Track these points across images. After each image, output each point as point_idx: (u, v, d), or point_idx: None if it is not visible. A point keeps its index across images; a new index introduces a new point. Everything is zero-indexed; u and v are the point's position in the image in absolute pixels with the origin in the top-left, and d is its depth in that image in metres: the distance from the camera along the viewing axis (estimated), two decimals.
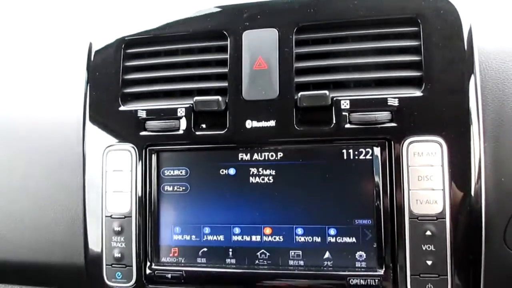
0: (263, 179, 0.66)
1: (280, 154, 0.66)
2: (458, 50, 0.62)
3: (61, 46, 0.96)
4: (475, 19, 0.63)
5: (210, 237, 0.67)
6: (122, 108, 0.71)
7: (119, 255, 0.69)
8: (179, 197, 0.68)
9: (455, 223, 0.59)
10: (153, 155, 0.69)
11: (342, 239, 0.64)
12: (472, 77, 0.61)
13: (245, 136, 0.66)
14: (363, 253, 0.63)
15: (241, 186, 0.66)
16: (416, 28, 0.63)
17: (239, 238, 0.67)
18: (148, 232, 0.69)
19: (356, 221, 0.63)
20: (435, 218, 0.60)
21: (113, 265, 0.69)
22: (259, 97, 0.66)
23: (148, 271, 0.68)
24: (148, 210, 0.69)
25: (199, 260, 0.68)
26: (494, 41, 0.70)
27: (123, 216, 0.69)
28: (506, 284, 0.66)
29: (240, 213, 0.67)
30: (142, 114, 0.70)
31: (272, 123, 0.65)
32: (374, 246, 0.63)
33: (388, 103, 0.62)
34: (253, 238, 0.66)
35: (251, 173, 0.66)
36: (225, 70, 0.68)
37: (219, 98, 0.66)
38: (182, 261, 0.68)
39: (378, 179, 0.62)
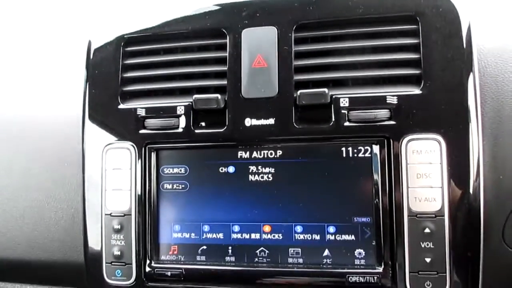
0: (262, 177, 0.66)
1: (279, 152, 0.66)
2: (457, 48, 0.62)
3: (60, 44, 0.96)
4: (474, 17, 0.63)
5: (209, 235, 0.68)
6: (121, 106, 0.71)
7: (119, 253, 0.69)
8: (179, 195, 0.69)
9: (453, 221, 0.60)
10: (152, 153, 0.69)
11: (341, 237, 0.64)
12: (471, 75, 0.61)
13: (244, 134, 0.66)
14: (362, 250, 0.63)
15: (241, 184, 0.67)
16: (415, 26, 0.63)
17: (239, 236, 0.67)
18: (147, 230, 0.69)
19: (355, 218, 0.64)
20: (433, 215, 0.60)
21: (112, 263, 0.69)
22: (258, 95, 0.66)
23: (147, 269, 0.68)
24: (147, 208, 0.69)
25: (198, 258, 0.68)
26: (493, 39, 0.70)
27: (122, 214, 0.69)
28: (505, 281, 0.67)
29: (239, 211, 0.67)
30: (142, 112, 0.70)
31: (271, 121, 0.65)
32: (373, 243, 0.63)
33: (387, 101, 0.62)
34: (253, 236, 0.66)
35: (250, 171, 0.66)
36: (224, 68, 0.68)
37: (219, 96, 0.66)
38: (182, 259, 0.68)
39: (377, 177, 0.63)
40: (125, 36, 0.73)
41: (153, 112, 0.69)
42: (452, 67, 0.61)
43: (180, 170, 0.69)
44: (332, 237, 0.64)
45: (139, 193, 0.69)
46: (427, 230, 0.60)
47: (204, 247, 0.68)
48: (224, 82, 0.68)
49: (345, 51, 0.66)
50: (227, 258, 0.67)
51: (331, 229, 0.64)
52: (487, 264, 0.60)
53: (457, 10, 0.62)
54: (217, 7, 0.70)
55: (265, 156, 0.66)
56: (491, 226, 0.63)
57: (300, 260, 0.65)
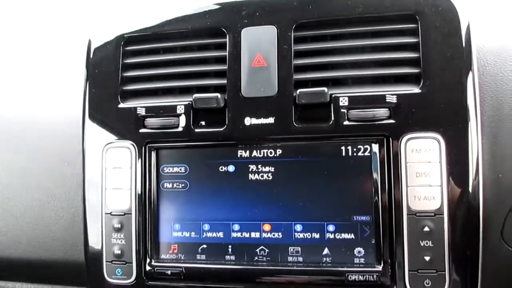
0: (262, 176, 0.66)
1: (279, 151, 0.66)
2: (456, 47, 0.62)
3: (61, 43, 0.96)
4: (473, 16, 0.63)
5: (209, 234, 0.68)
6: (121, 105, 0.71)
7: (119, 251, 0.69)
8: (179, 194, 0.69)
9: (453, 219, 0.60)
10: (152, 152, 0.70)
11: (341, 236, 0.64)
12: (470, 74, 0.61)
13: (244, 133, 0.66)
14: (361, 249, 0.63)
15: (240, 183, 0.67)
16: (414, 25, 0.64)
17: (239, 234, 0.67)
18: (147, 229, 0.69)
19: (354, 217, 0.64)
20: (433, 214, 0.60)
21: (113, 262, 0.69)
22: (258, 94, 0.66)
23: (148, 268, 0.69)
24: (147, 207, 0.69)
25: (198, 256, 0.68)
26: (492, 38, 0.70)
27: (122, 213, 0.69)
28: (504, 279, 0.67)
29: (239, 210, 0.67)
30: (142, 112, 0.70)
31: (271, 120, 0.65)
32: (373, 242, 0.63)
33: (386, 100, 0.62)
34: (252, 234, 0.66)
35: (250, 170, 0.67)
36: (224, 67, 0.68)
37: (218, 95, 0.67)
38: (182, 258, 0.69)
39: (376, 175, 0.63)
40: (125, 36, 0.73)
41: (153, 111, 0.69)
42: (451, 66, 0.62)
43: (180, 169, 0.69)
44: (331, 236, 0.64)
45: (139, 192, 0.69)
46: (426, 229, 0.60)
47: (204, 246, 0.68)
48: (224, 81, 0.68)
49: (344, 50, 0.66)
50: (227, 257, 0.67)
51: (331, 227, 0.64)
52: (486, 263, 0.60)
53: (456, 9, 0.62)
54: (217, 6, 0.70)
55: (265, 155, 0.67)
56: (490, 224, 0.63)
57: (300, 259, 0.65)
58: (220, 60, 0.69)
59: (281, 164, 0.66)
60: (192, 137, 0.68)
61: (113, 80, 0.72)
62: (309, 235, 0.65)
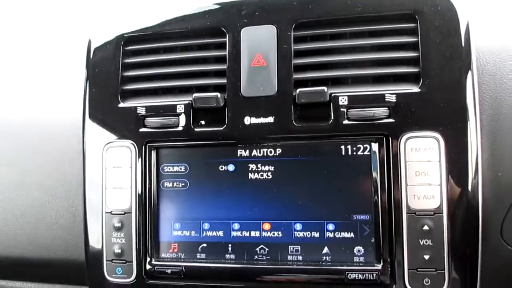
0: (262, 175, 0.66)
1: (278, 150, 0.67)
2: (456, 47, 0.62)
3: (60, 43, 0.96)
4: (472, 16, 0.63)
5: (209, 233, 0.68)
6: (121, 105, 0.71)
7: (119, 250, 0.69)
8: (179, 193, 0.69)
9: (452, 218, 0.60)
10: (152, 151, 0.70)
11: (341, 234, 0.64)
12: (469, 73, 0.61)
13: (244, 133, 0.66)
14: (361, 248, 0.64)
15: (240, 182, 0.67)
16: (413, 25, 0.64)
17: (238, 233, 0.67)
18: (148, 228, 0.69)
19: (354, 216, 0.64)
20: (432, 213, 0.60)
21: (113, 261, 0.70)
22: (257, 93, 0.66)
23: (148, 267, 0.69)
24: (147, 206, 0.69)
25: (198, 255, 0.68)
26: (491, 38, 0.71)
27: (123, 212, 0.69)
28: (503, 278, 0.67)
29: (239, 209, 0.67)
30: (142, 111, 0.70)
31: (270, 119, 0.66)
32: (372, 241, 0.63)
33: (386, 99, 0.62)
34: (252, 233, 0.67)
35: (250, 169, 0.67)
36: (224, 67, 0.68)
37: (218, 94, 0.67)
38: (182, 257, 0.69)
39: (376, 174, 0.63)
40: (125, 35, 0.73)
41: (153, 111, 0.70)
42: (450, 65, 0.62)
43: (180, 168, 0.69)
44: (331, 235, 0.64)
45: (140, 191, 0.69)
46: (425, 228, 0.60)
47: (204, 244, 0.68)
48: (224, 80, 0.68)
49: (344, 50, 0.66)
50: (227, 256, 0.67)
51: (331, 226, 0.64)
52: (486, 261, 0.61)
53: (456, 9, 0.62)
54: (217, 6, 0.70)
55: (265, 154, 0.67)
56: (490, 223, 0.63)
57: (300, 258, 0.65)
58: (220, 59, 0.69)
59: (280, 163, 0.66)
60: (192, 137, 0.68)
61: (113, 79, 0.72)
62: (309, 234, 0.65)
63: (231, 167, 0.67)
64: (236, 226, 0.67)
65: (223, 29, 0.69)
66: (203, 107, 0.68)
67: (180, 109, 0.69)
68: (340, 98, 0.64)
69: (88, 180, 0.72)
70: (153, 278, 0.69)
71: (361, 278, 0.62)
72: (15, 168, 0.84)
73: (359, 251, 0.64)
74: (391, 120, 0.62)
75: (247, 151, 0.67)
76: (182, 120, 0.68)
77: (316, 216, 0.65)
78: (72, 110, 0.80)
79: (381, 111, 0.62)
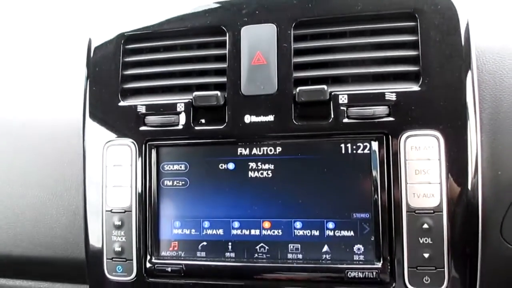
0: (262, 174, 0.67)
1: (278, 149, 0.67)
2: (455, 45, 0.62)
3: (60, 44, 0.96)
4: (472, 15, 0.63)
5: (209, 231, 0.68)
6: (121, 103, 0.72)
7: (120, 249, 0.69)
8: (179, 191, 0.69)
9: (452, 216, 0.60)
10: (152, 150, 0.70)
11: (340, 233, 0.64)
12: (469, 71, 0.61)
13: (244, 131, 0.66)
14: (361, 246, 0.64)
15: (240, 181, 0.67)
16: (413, 23, 0.64)
17: (238, 232, 0.67)
18: (148, 226, 0.69)
19: (354, 214, 0.64)
20: (432, 211, 0.60)
21: (113, 259, 0.70)
22: (257, 92, 0.66)
23: (148, 265, 0.69)
24: (148, 204, 0.69)
25: (198, 253, 0.68)
26: (491, 36, 0.71)
27: (123, 211, 0.69)
28: (503, 276, 0.67)
29: (239, 207, 0.67)
30: (142, 109, 0.70)
31: (270, 118, 0.66)
32: (372, 239, 0.63)
33: (386, 98, 0.62)
34: (252, 232, 0.67)
35: (250, 167, 0.67)
36: (224, 65, 0.68)
37: (218, 93, 0.67)
38: (182, 255, 0.69)
39: (376, 173, 0.63)
40: (125, 34, 0.73)
41: (153, 109, 0.70)
42: (450, 64, 0.62)
43: (180, 167, 0.69)
44: (331, 233, 0.64)
45: (140, 189, 0.69)
46: (425, 226, 0.60)
47: (204, 243, 0.68)
48: (224, 79, 0.68)
49: (344, 48, 0.66)
50: (227, 254, 0.67)
51: (330, 225, 0.65)
52: (485, 259, 0.61)
53: (456, 8, 0.63)
54: (217, 5, 0.70)
55: (265, 152, 0.67)
56: (489, 221, 0.64)
57: (300, 256, 0.65)
58: (220, 58, 0.69)
59: (280, 162, 0.66)
60: (192, 135, 0.68)
61: (114, 78, 0.72)
62: (308, 232, 0.65)
63: (231, 166, 0.68)
64: (236, 224, 0.67)
65: (223, 27, 0.69)
66: (203, 106, 0.68)
67: (180, 107, 0.69)
68: (340, 96, 0.64)
69: (89, 179, 0.72)
70: (153, 276, 0.69)
71: (361, 276, 0.62)
72: (15, 167, 0.84)
73: (359, 249, 0.64)
74: (391, 118, 0.62)
75: (247, 149, 0.67)
76: (182, 118, 0.69)
77: (316, 215, 0.65)
78: (72, 110, 0.80)
79: (381, 110, 0.62)
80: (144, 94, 0.72)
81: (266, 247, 0.66)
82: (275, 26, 0.67)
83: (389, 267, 0.62)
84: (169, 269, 0.68)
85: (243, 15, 0.68)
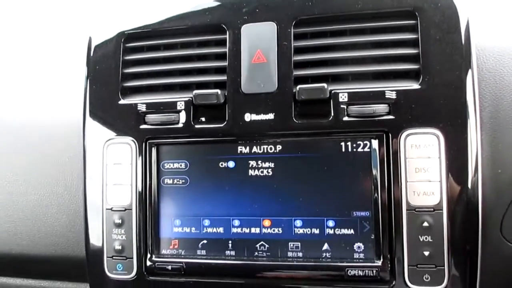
0: (262, 172, 0.67)
1: (279, 147, 0.67)
2: (456, 44, 0.62)
3: (60, 44, 0.97)
4: (473, 13, 0.63)
5: (209, 229, 0.68)
6: (122, 101, 0.72)
7: (120, 247, 0.69)
8: (179, 189, 0.69)
9: (452, 215, 0.60)
10: (153, 148, 0.70)
11: (341, 231, 0.64)
12: (469, 70, 0.61)
13: (244, 129, 0.66)
14: (361, 244, 0.64)
15: (240, 179, 0.67)
16: (413, 21, 0.64)
17: (239, 230, 0.67)
18: (148, 225, 0.69)
19: (354, 213, 0.64)
20: (432, 209, 0.60)
21: (114, 257, 0.70)
22: (258, 90, 0.66)
23: (148, 263, 0.69)
24: (148, 202, 0.69)
25: (199, 252, 0.68)
26: (491, 35, 0.71)
27: (123, 209, 0.69)
28: (503, 274, 0.67)
29: (239, 206, 0.67)
30: (142, 108, 0.70)
31: (271, 116, 0.66)
32: (372, 237, 0.63)
33: (386, 96, 0.62)
34: (253, 230, 0.67)
35: (250, 166, 0.67)
36: (224, 63, 0.68)
37: (218, 91, 0.67)
38: (182, 253, 0.69)
39: (376, 171, 0.63)
40: (125, 32, 0.73)
41: (153, 108, 0.70)
42: (450, 62, 0.62)
43: (181, 165, 0.69)
44: (331, 231, 0.65)
45: (140, 188, 0.69)
46: (425, 224, 0.60)
47: (205, 241, 0.68)
48: (224, 77, 0.68)
49: (344, 46, 0.66)
50: (227, 252, 0.67)
51: (331, 223, 0.65)
52: (485, 258, 0.61)
53: (456, 6, 0.63)
54: (217, 3, 0.70)
55: (265, 151, 0.67)
56: (489, 219, 0.64)
57: (300, 254, 0.65)
58: (220, 56, 0.69)
59: (281, 160, 0.66)
60: (192, 133, 0.68)
61: (114, 76, 0.72)
62: (309, 231, 0.65)
63: (231, 164, 0.68)
64: (236, 222, 0.67)
65: (223, 26, 0.69)
66: (203, 104, 0.68)
67: (181, 106, 0.69)
68: (340, 94, 0.64)
69: (89, 177, 0.72)
70: (154, 275, 0.69)
71: (361, 274, 0.62)
72: (16, 165, 0.84)
73: (359, 247, 0.64)
74: (391, 116, 0.62)
75: (247, 147, 0.67)
76: (183, 117, 0.69)
77: (316, 213, 0.65)
78: (72, 110, 0.80)
79: (381, 108, 0.62)
80: (144, 92, 0.72)
81: (266, 245, 0.66)
82: (275, 24, 0.67)
83: (389, 265, 0.62)
84: (169, 267, 0.68)
85: (243, 13, 0.68)
